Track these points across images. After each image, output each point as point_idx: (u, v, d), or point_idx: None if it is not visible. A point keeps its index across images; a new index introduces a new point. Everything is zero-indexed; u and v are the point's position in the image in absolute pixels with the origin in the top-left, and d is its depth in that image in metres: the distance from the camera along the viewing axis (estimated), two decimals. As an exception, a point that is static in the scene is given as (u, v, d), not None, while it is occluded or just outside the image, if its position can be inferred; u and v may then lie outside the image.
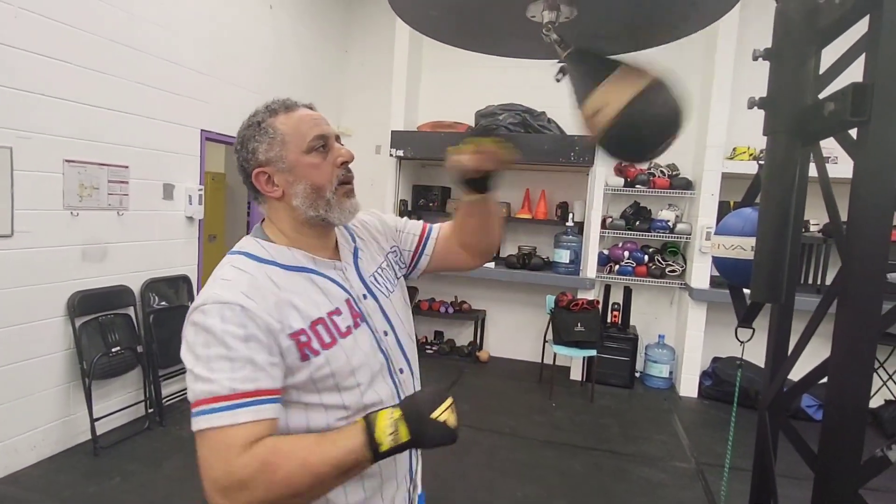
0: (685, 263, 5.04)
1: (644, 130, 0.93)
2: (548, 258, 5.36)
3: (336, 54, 5.95)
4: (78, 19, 3.07)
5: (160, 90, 3.68)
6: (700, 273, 4.75)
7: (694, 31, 1.11)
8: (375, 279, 1.11)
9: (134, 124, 3.51)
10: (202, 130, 4.13)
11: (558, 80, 1.05)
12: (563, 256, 5.01)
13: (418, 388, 1.15)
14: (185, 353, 0.87)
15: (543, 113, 5.13)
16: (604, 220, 5.05)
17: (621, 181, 5.05)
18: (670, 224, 4.97)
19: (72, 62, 3.06)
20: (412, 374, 1.12)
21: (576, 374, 5.11)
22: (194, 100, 4.01)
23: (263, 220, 1.07)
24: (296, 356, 0.89)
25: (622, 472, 3.44)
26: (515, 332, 5.61)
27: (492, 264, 5.18)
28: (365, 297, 1.05)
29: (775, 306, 1.37)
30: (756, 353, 4.88)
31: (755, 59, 1.23)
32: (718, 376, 4.76)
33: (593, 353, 4.58)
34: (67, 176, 3.10)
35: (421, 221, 1.31)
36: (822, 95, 1.14)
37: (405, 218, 1.31)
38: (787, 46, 1.15)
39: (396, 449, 0.83)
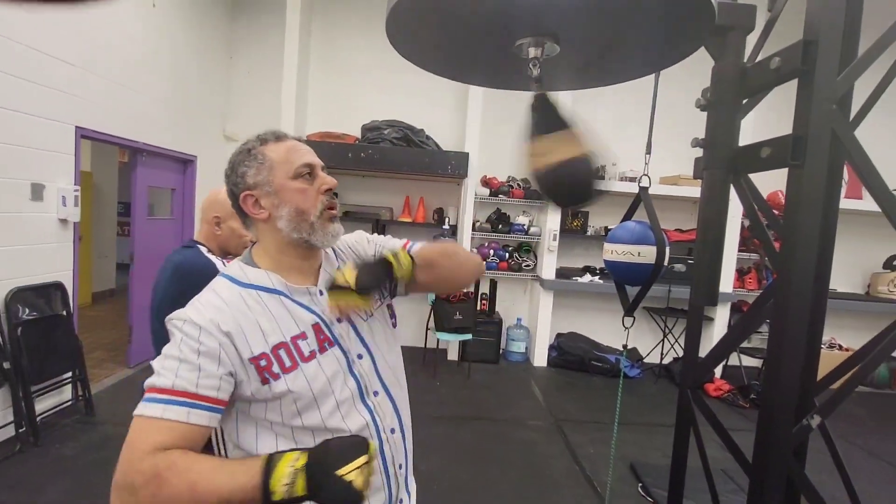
0: (536, 259, 5.39)
1: (566, 184, 1.01)
2: (426, 256, 5.36)
3: (221, 60, 5.27)
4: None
5: (28, 81, 2.93)
6: (548, 267, 5.13)
7: (652, 73, 1.13)
8: None
9: (-7, 117, 2.72)
10: (77, 127, 3.35)
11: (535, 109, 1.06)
12: (441, 255, 5.04)
13: (405, 411, 1.06)
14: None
15: (423, 130, 5.10)
16: (474, 224, 5.20)
17: (487, 191, 5.23)
18: (525, 227, 5.28)
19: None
20: (390, 397, 0.99)
21: (453, 356, 5.21)
22: (68, 94, 3.25)
23: (254, 243, 0.98)
24: (257, 380, 0.83)
25: (501, 436, 3.57)
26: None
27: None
28: (340, 320, 0.94)
29: (692, 304, 1.49)
30: (587, 328, 5.42)
31: (697, 107, 1.32)
32: (562, 348, 5.20)
33: (469, 337, 4.70)
34: None
35: (403, 241, 1.18)
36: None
37: (388, 236, 1.18)
38: (724, 99, 1.25)
39: (290, 502, 0.70)
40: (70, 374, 3.34)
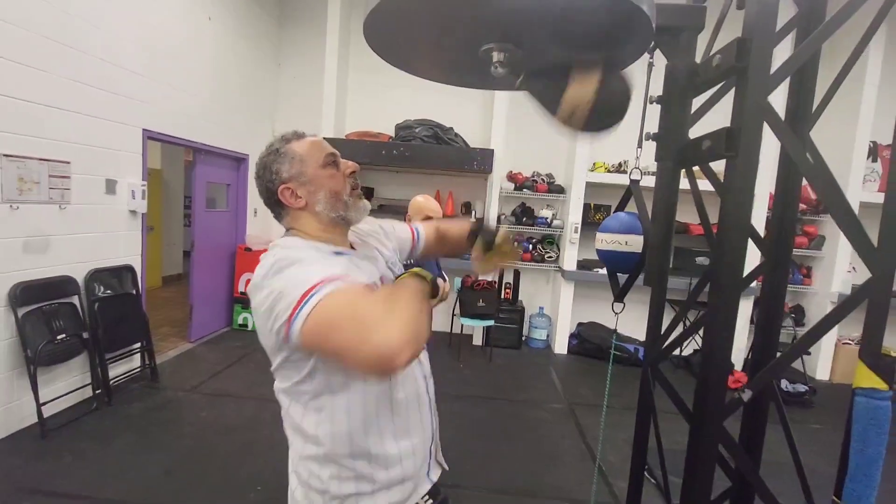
0: (559, 251, 5.38)
1: (613, 106, 0.99)
2: (454, 247, 5.45)
3: (270, 66, 5.56)
4: (7, 13, 2.59)
5: (100, 89, 3.23)
6: (570, 259, 5.11)
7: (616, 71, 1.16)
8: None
9: (74, 122, 3.05)
10: (144, 130, 3.69)
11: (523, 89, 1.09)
12: (467, 246, 5.13)
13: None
14: (267, 295, 0.83)
15: (451, 128, 5.18)
16: (499, 217, 5.24)
17: (512, 186, 5.26)
18: (548, 220, 5.27)
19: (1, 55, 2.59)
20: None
21: (477, 340, 5.29)
22: (135, 100, 3.57)
23: (287, 230, 1.03)
24: None
25: (516, 415, 3.63)
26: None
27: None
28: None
29: (655, 288, 1.52)
30: (607, 318, 5.34)
31: (651, 103, 1.36)
32: (582, 336, 5.17)
33: (491, 323, 4.77)
34: (6, 170, 2.64)
35: (405, 225, 1.30)
36: (691, 133, 1.29)
37: (392, 221, 1.28)
38: (674, 95, 1.28)
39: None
40: (139, 344, 3.70)
